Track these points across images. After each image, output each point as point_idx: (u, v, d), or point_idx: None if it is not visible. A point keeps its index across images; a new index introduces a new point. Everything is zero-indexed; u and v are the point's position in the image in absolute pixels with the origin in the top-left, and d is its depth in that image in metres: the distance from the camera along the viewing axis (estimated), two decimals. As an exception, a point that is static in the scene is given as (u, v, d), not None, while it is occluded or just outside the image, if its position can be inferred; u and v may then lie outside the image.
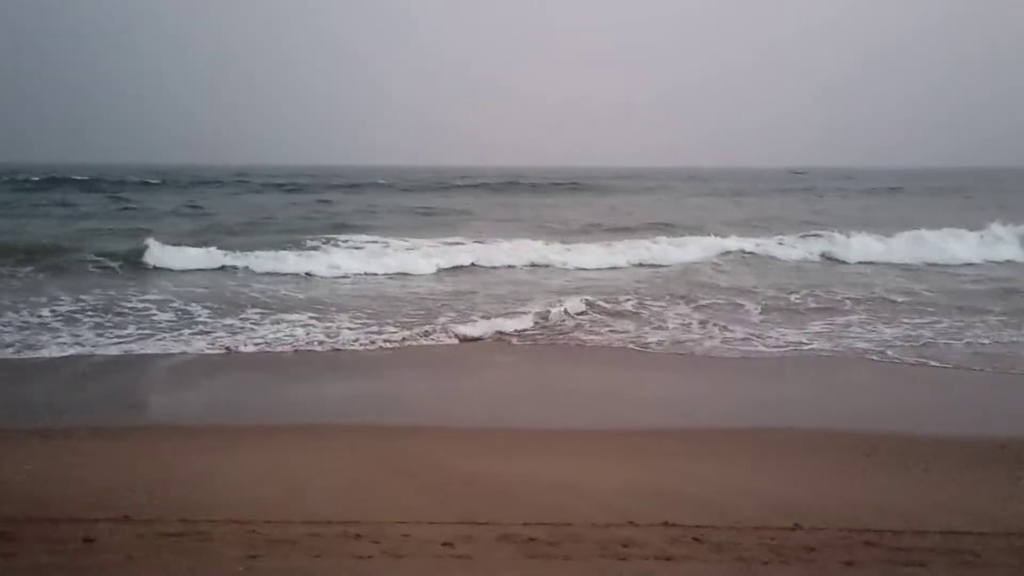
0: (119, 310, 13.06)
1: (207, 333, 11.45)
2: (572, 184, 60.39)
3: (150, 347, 10.59)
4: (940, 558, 4.63)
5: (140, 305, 13.51)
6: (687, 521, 5.06)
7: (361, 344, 10.93)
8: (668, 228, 27.93)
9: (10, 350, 10.30)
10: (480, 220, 31.59)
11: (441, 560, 4.45)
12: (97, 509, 5.14)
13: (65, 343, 10.70)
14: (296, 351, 10.57)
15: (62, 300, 13.74)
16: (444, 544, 4.63)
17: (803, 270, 19.73)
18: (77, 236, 23.19)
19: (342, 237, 23.29)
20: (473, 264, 19.49)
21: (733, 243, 22.44)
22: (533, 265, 19.88)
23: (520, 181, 62.06)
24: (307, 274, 17.64)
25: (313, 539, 4.67)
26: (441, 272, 18.46)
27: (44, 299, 13.81)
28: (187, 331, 11.53)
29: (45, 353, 10.18)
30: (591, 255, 20.51)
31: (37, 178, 53.02)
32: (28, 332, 11.28)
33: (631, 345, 11.09)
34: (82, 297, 14.03)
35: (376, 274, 17.95)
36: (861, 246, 22.07)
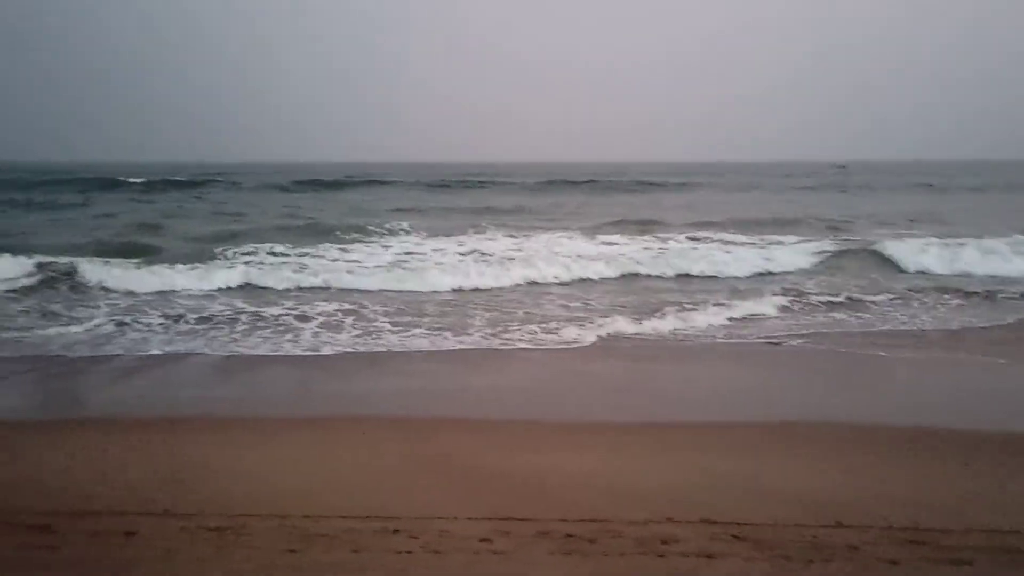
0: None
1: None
2: (655, 182, 60.09)
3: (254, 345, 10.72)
4: (985, 556, 4.55)
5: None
6: (727, 518, 5.01)
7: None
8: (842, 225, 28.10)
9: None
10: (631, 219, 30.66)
11: (479, 556, 4.44)
12: (138, 503, 5.20)
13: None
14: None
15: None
16: (482, 540, 4.62)
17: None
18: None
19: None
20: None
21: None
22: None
23: (601, 179, 61.72)
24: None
25: (352, 534, 4.68)
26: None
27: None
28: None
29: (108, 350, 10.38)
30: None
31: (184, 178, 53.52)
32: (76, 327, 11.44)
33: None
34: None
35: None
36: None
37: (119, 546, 4.55)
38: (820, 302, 13.88)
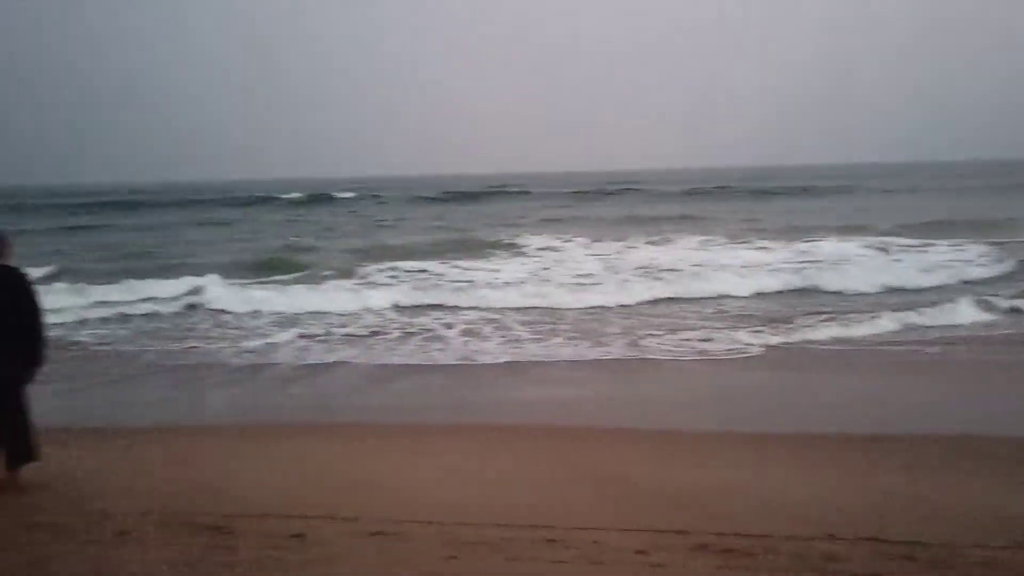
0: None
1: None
2: (806, 186, 58.84)
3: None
4: None
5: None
6: (895, 536, 4.77)
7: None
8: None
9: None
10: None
11: (636, 568, 4.40)
12: (303, 507, 5.43)
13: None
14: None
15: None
16: (638, 552, 4.58)
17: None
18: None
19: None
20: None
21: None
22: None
23: (728, 186, 60.79)
24: None
25: (508, 543, 4.73)
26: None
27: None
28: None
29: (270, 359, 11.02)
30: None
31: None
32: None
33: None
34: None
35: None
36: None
37: (290, 548, 4.77)
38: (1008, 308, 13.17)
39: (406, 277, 18.63)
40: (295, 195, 56.22)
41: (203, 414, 8.71)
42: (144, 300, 15.82)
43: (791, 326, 12.26)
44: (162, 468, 6.43)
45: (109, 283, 17.20)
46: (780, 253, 21.41)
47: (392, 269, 19.86)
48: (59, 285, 16.69)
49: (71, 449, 6.56)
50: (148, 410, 8.73)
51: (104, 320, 14.18)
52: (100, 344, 12.28)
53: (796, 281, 16.67)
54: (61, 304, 14.38)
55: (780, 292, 16.00)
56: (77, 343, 12.24)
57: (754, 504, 5.38)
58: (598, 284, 17.01)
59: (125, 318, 14.39)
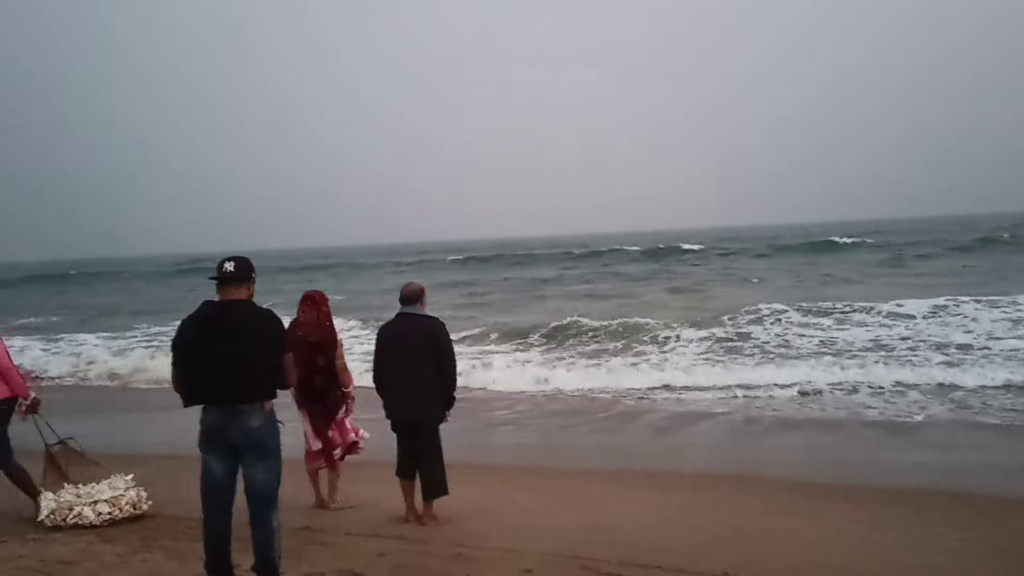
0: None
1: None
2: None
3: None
4: None
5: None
6: None
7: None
8: None
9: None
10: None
11: None
12: (698, 562, 5.22)
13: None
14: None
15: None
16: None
17: None
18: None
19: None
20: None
21: None
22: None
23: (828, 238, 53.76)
24: None
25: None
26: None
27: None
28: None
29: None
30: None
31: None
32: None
33: None
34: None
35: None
36: None
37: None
38: None
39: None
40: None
41: (585, 457, 8.89)
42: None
43: None
44: (557, 508, 6.62)
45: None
46: None
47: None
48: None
49: (469, 486, 6.98)
50: (529, 452, 9.17)
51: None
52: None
53: None
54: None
55: None
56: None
57: None
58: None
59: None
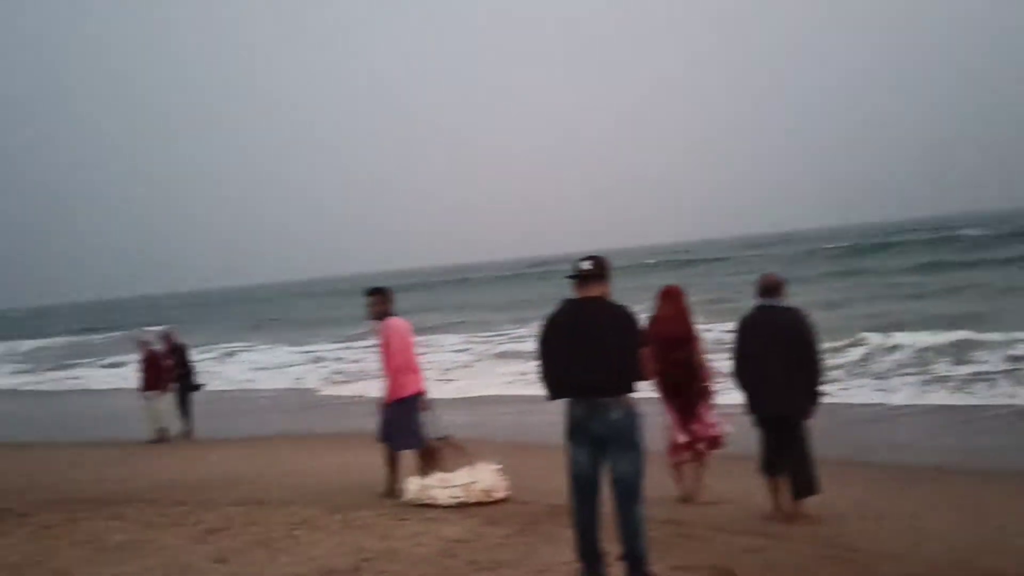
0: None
1: None
2: None
3: None
4: None
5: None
6: None
7: None
8: None
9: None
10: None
11: None
12: None
13: None
14: None
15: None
16: None
17: None
18: None
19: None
20: None
21: None
22: None
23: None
24: None
25: None
26: None
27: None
28: None
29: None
30: None
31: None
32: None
33: None
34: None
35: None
36: None
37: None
38: None
39: None
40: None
41: (978, 458, 7.95)
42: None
43: None
44: (946, 513, 6.03)
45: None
46: None
47: None
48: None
49: (842, 486, 6.56)
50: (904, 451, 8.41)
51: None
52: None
53: None
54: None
55: None
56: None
57: None
58: None
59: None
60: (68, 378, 26.31)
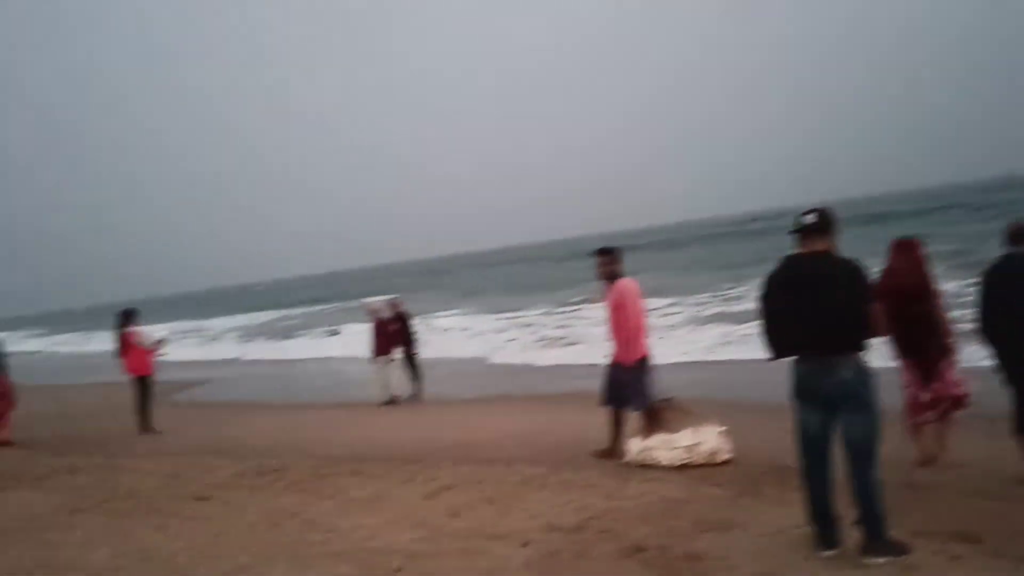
0: None
1: None
2: None
3: None
4: None
5: None
6: None
7: None
8: None
9: None
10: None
11: None
12: None
13: None
14: None
15: None
16: None
17: None
18: None
19: None
20: None
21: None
22: None
23: None
24: None
25: None
26: None
27: None
28: None
29: None
30: None
31: None
32: None
33: None
34: None
35: None
36: None
37: None
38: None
39: None
40: None
41: None
42: None
43: None
44: None
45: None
46: None
47: None
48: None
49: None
50: None
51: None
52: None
53: None
54: None
55: None
56: None
57: None
58: None
59: None
60: (299, 347, 27.65)
